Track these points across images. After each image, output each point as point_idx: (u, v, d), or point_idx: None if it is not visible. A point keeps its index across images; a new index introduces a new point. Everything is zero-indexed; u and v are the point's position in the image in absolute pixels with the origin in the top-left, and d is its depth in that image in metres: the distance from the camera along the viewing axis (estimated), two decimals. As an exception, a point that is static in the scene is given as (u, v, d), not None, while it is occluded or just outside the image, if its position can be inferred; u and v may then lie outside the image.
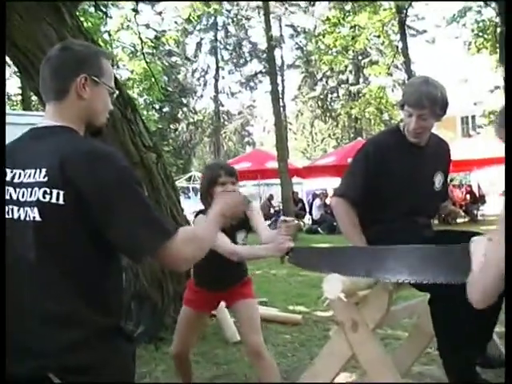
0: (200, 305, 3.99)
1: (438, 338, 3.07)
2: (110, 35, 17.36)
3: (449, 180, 3.84)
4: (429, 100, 3.15)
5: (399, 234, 3.08)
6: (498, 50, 18.03)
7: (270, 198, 23.44)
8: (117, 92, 2.18)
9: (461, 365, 3.04)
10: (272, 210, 21.56)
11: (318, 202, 21.19)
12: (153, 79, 17.13)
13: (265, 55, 30.03)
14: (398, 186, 3.25)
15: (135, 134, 5.78)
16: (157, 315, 5.91)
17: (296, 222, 3.55)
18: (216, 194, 3.61)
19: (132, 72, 18.76)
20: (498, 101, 18.61)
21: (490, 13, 19.72)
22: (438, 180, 3.42)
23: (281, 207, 19.72)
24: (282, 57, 41.25)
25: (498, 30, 17.96)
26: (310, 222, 22.61)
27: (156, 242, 1.90)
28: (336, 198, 3.36)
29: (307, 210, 23.25)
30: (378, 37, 25.57)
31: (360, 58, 37.27)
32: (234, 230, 3.75)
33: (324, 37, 24.43)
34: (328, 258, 3.16)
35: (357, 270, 2.89)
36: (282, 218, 3.57)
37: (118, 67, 18.36)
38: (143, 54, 16.51)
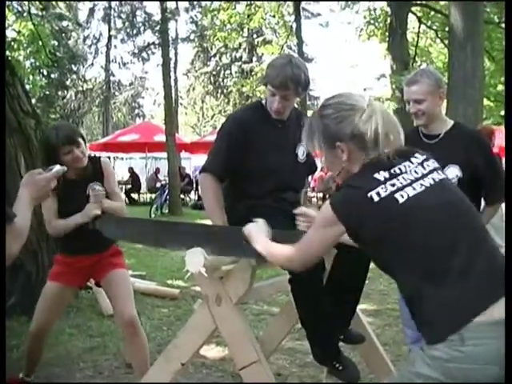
0: (67, 278, 3.91)
1: (299, 315, 3.16)
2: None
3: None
4: (293, 82, 3.19)
5: (265, 210, 3.13)
6: (387, 39, 18.56)
7: (157, 171, 23.25)
8: None
9: (322, 340, 3.15)
10: (158, 184, 21.37)
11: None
12: (40, 42, 16.45)
13: (159, 27, 29.52)
14: (262, 161, 3.31)
15: (13, 98, 5.56)
16: (30, 286, 5.75)
17: (102, 191, 3.76)
18: (65, 161, 3.60)
19: (19, 33, 17.85)
20: (384, 89, 19.24)
21: (382, 2, 20.26)
22: (301, 152, 3.47)
23: (167, 181, 19.58)
24: (176, 29, 40.71)
25: (389, 19, 18.49)
26: (196, 197, 22.65)
27: None
28: (202, 174, 3.43)
29: (194, 185, 23.26)
30: (274, 16, 25.73)
31: (254, 36, 37.42)
32: (85, 183, 3.78)
33: (219, 12, 24.33)
34: (136, 229, 3.41)
35: (159, 241, 3.27)
36: (91, 185, 3.73)
37: (2, 26, 17.44)
38: (30, 14, 15.76)
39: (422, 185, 2.14)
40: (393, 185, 2.11)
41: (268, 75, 3.28)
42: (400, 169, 2.18)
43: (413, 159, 2.24)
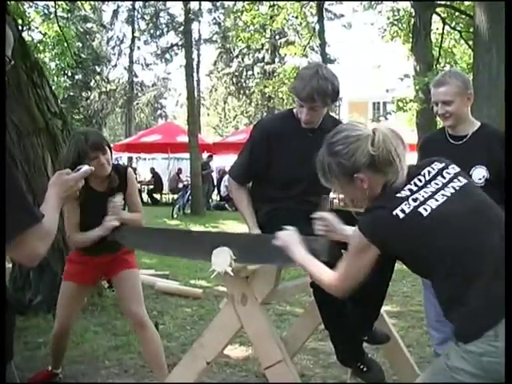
0: (80, 278, 4.00)
1: (322, 318, 3.17)
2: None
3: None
4: (319, 95, 3.16)
5: (287, 213, 3.24)
6: (410, 40, 18.41)
7: (179, 172, 23.33)
8: (13, 62, 2.05)
9: (346, 343, 3.16)
10: (180, 185, 21.46)
11: (226, 178, 21.25)
12: (65, 44, 16.56)
13: (182, 28, 29.61)
14: (287, 169, 3.33)
15: (41, 99, 5.63)
16: (56, 285, 5.81)
17: (121, 203, 3.82)
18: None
19: (44, 35, 17.95)
20: (407, 90, 19.07)
21: (406, 2, 20.08)
22: None
23: (189, 182, 19.66)
24: (199, 31, 40.83)
25: (412, 20, 18.36)
26: (218, 198, 22.69)
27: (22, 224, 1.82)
28: (228, 176, 3.67)
29: (215, 185, 23.30)
30: (296, 17, 25.63)
31: (277, 37, 37.37)
32: (108, 195, 3.85)
33: (242, 14, 24.35)
34: (154, 238, 3.50)
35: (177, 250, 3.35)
36: (110, 198, 3.78)
37: (29, 28, 17.57)
38: (56, 17, 15.89)
39: (443, 195, 2.19)
40: (415, 200, 2.17)
41: (295, 87, 3.26)
42: (420, 180, 2.24)
43: (432, 167, 2.29)
